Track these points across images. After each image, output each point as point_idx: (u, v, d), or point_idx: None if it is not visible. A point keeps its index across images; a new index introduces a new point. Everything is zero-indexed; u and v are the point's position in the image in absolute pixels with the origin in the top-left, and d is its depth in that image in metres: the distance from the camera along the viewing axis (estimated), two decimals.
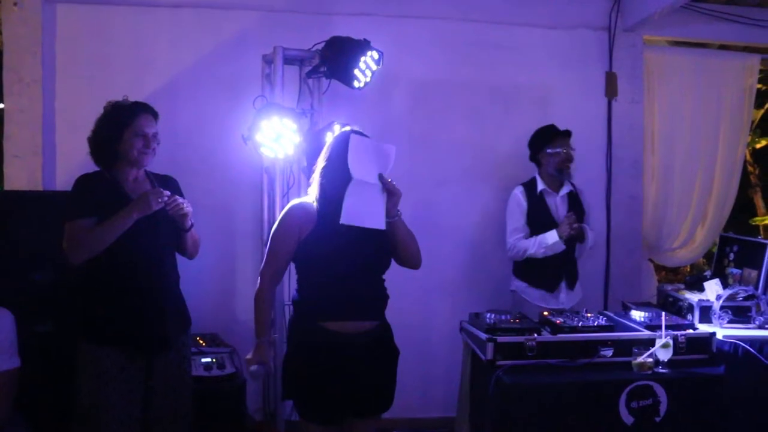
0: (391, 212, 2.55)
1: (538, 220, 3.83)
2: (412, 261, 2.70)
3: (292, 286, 2.75)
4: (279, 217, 2.67)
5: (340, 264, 2.53)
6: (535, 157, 3.95)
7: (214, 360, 3.43)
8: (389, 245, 2.62)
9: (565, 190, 3.90)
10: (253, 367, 2.54)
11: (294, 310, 2.70)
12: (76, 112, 3.81)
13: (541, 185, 3.88)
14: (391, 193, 2.52)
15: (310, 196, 2.64)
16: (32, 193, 3.75)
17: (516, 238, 3.86)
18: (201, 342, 3.60)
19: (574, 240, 3.80)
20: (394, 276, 2.71)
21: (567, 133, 3.88)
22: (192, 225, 2.87)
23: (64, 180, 3.83)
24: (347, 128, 2.72)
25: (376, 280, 2.65)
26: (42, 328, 3.26)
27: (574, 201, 3.92)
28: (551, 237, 3.70)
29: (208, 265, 3.65)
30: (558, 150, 3.83)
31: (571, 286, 3.89)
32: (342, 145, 2.56)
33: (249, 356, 2.57)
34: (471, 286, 4.33)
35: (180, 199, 2.77)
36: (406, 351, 3.74)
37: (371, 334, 2.60)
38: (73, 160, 3.76)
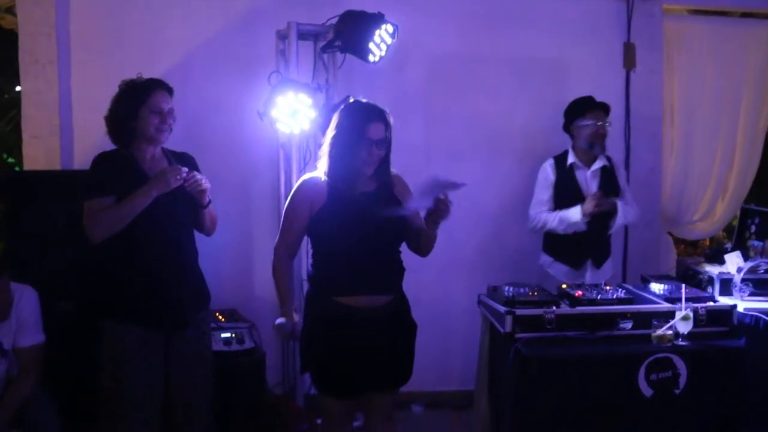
0: (435, 226, 2.55)
1: (566, 194, 3.78)
2: (421, 253, 2.74)
3: (309, 262, 2.76)
4: (291, 192, 2.67)
5: (353, 237, 2.52)
6: (567, 129, 3.89)
7: (233, 335, 3.45)
8: (403, 221, 2.62)
9: (598, 164, 3.82)
10: (279, 320, 2.56)
11: (309, 285, 2.71)
12: (92, 91, 3.81)
13: (571, 158, 3.82)
14: (442, 211, 2.48)
15: (320, 170, 2.64)
16: (51, 172, 3.77)
17: (537, 210, 3.82)
18: (220, 317, 3.62)
19: (605, 217, 3.74)
20: None
21: (601, 106, 3.80)
22: (210, 201, 2.88)
23: (81, 159, 3.86)
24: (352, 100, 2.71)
25: (391, 252, 2.65)
26: (64, 306, 3.30)
27: (608, 176, 3.85)
28: (574, 214, 3.65)
29: (226, 242, 3.66)
30: (587, 123, 3.76)
31: (598, 264, 3.85)
32: (349, 116, 2.56)
33: (276, 322, 2.59)
34: (489, 259, 4.32)
35: (198, 175, 2.77)
36: (424, 325, 3.75)
37: (387, 307, 2.61)
38: (90, 139, 3.78)
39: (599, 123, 3.75)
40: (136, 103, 2.74)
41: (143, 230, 2.70)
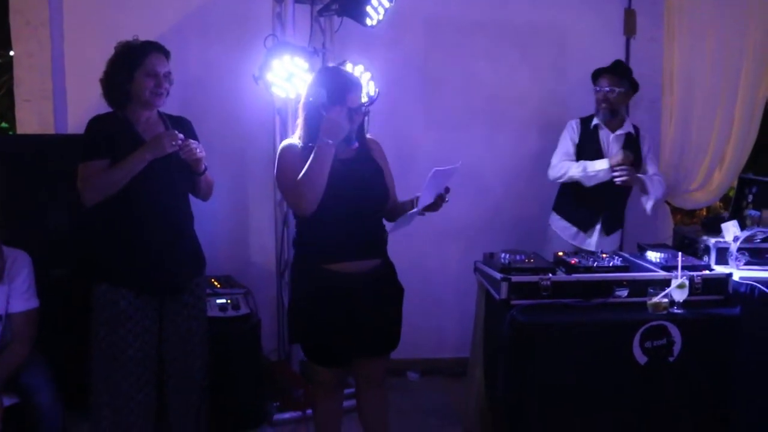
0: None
1: (588, 153, 3.78)
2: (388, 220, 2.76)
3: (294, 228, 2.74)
4: (279, 157, 2.59)
5: (337, 204, 2.50)
6: None
7: (228, 301, 3.45)
8: (385, 184, 2.63)
9: (623, 130, 3.83)
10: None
11: (295, 252, 2.70)
12: (85, 54, 3.76)
13: (596, 120, 3.82)
14: (437, 206, 2.58)
15: (296, 138, 2.61)
16: (44, 136, 3.74)
17: (561, 159, 3.80)
18: (215, 284, 3.62)
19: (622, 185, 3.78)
20: None
21: (609, 71, 3.80)
22: (206, 168, 2.85)
23: (75, 123, 3.82)
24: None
25: (375, 218, 2.64)
26: (57, 272, 3.30)
27: (631, 144, 3.85)
28: (600, 163, 3.66)
29: (222, 207, 3.66)
30: (595, 88, 3.80)
31: (607, 231, 3.86)
32: (327, 84, 2.53)
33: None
34: (486, 227, 4.31)
35: (193, 144, 2.74)
36: (421, 292, 3.75)
37: (374, 272, 2.60)
38: (83, 103, 3.74)
39: (600, 90, 3.77)
40: (132, 66, 2.70)
41: (138, 194, 2.68)
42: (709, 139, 4.49)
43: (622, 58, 4.33)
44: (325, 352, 2.62)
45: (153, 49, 2.74)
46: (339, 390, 2.83)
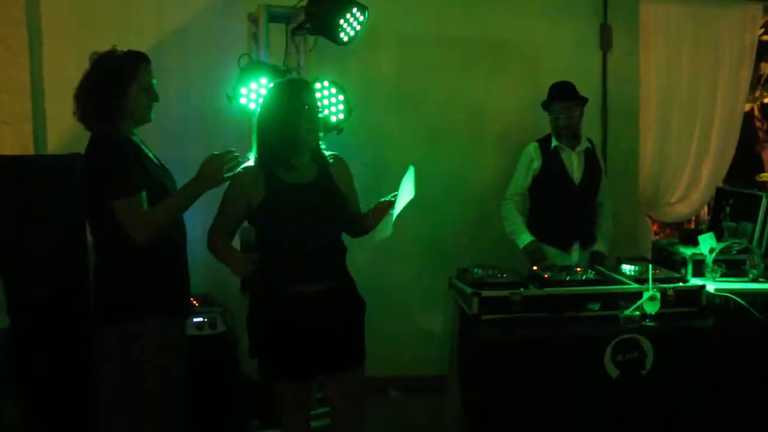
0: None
1: (552, 176, 3.81)
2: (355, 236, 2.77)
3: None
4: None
5: (296, 231, 2.50)
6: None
7: (205, 320, 3.43)
8: (342, 209, 2.61)
9: (582, 146, 3.85)
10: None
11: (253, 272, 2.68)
12: (65, 76, 3.74)
13: (555, 141, 3.83)
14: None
15: (252, 160, 2.59)
16: (24, 158, 3.74)
17: (511, 201, 3.87)
18: (194, 302, 3.60)
19: (590, 201, 3.85)
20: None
21: (568, 97, 3.78)
22: None
23: (54, 145, 3.84)
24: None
25: (334, 239, 2.62)
26: (35, 292, 3.28)
27: (592, 158, 3.88)
28: (520, 242, 3.79)
29: (201, 226, 3.62)
30: (552, 115, 3.80)
31: (584, 246, 3.89)
32: (279, 91, 2.56)
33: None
34: (467, 243, 4.30)
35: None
36: (403, 308, 3.73)
37: (334, 291, 2.58)
38: (63, 125, 3.75)
39: (560, 116, 3.76)
40: (125, 80, 2.41)
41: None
42: (688, 153, 4.53)
43: (599, 72, 4.36)
44: (282, 364, 2.60)
45: (142, 60, 2.48)
46: (304, 407, 2.79)
